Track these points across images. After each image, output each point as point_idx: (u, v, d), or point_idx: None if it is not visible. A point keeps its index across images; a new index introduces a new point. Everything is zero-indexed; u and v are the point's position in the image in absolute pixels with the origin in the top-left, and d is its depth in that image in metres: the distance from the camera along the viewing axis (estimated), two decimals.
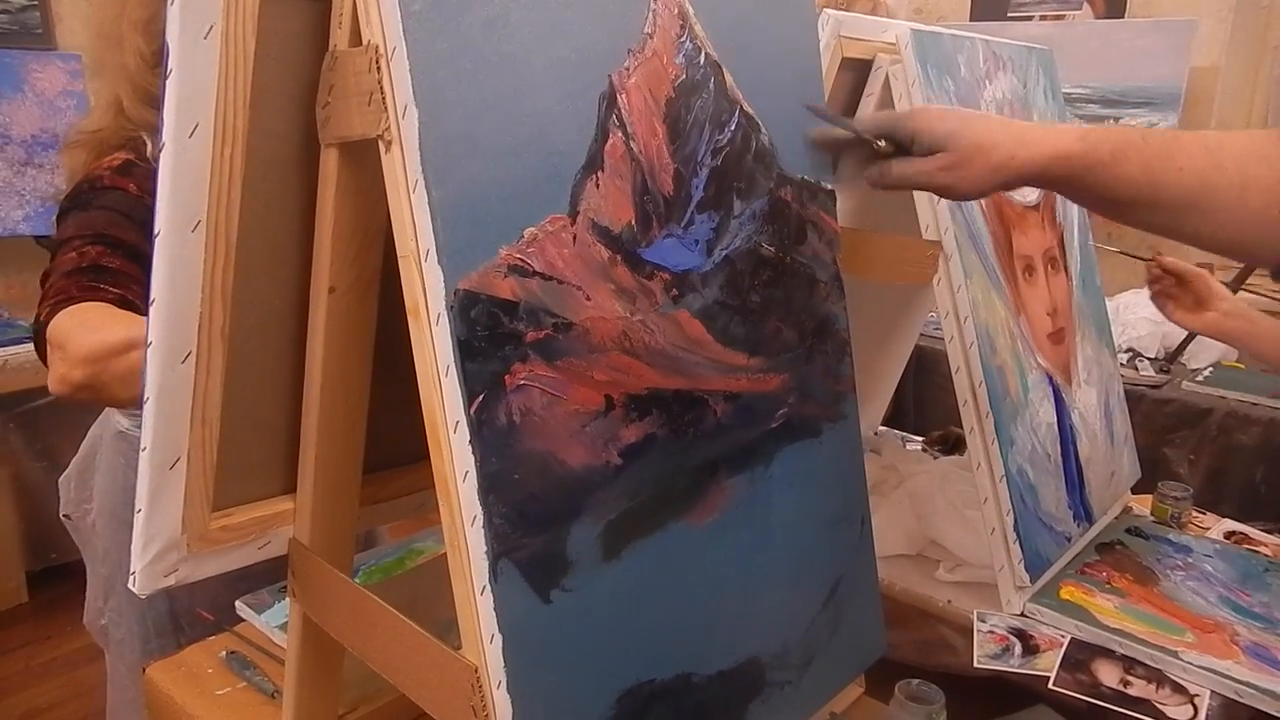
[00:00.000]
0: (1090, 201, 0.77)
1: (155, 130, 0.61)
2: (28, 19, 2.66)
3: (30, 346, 2.35)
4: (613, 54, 0.70)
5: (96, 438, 1.28)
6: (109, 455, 1.24)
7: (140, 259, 0.99)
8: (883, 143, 0.82)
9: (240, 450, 0.75)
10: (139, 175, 1.06)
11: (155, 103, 0.61)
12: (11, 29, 2.64)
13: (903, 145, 0.80)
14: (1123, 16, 3.00)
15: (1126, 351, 2.47)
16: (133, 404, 0.94)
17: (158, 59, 0.59)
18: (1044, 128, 0.76)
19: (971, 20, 3.30)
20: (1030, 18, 3.18)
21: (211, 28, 0.61)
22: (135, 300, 0.97)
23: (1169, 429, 2.31)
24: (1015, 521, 1.15)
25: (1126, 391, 1.57)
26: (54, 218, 1.09)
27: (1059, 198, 1.40)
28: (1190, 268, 1.23)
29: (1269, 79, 2.82)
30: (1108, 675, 1.05)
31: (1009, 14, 3.22)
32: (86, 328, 0.93)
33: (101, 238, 1.02)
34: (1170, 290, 1.25)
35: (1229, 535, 1.41)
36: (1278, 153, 0.68)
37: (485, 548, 0.61)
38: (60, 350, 0.93)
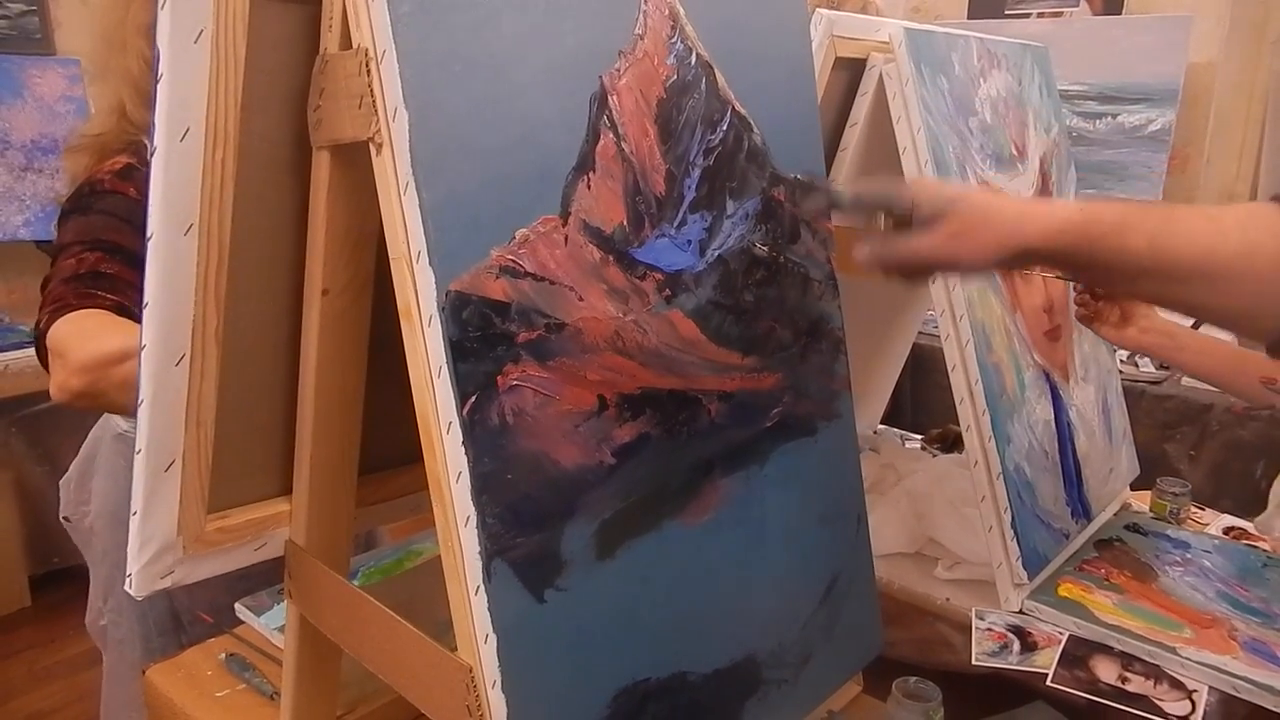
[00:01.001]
0: (1097, 275, 0.75)
1: (151, 130, 0.62)
2: (27, 24, 2.67)
3: (31, 351, 2.37)
4: (603, 55, 0.70)
5: (97, 440, 1.29)
6: (109, 457, 1.25)
7: (139, 264, 1.00)
8: (883, 218, 0.78)
9: (236, 452, 0.75)
10: (139, 179, 1.07)
11: (153, 106, 0.61)
12: (10, 34, 2.65)
13: (902, 219, 0.76)
14: (1120, 13, 3.00)
15: None
16: (128, 410, 0.95)
17: None
18: (1043, 202, 0.73)
19: (969, 18, 3.29)
20: (1028, 15, 3.18)
21: (202, 32, 0.61)
22: (132, 307, 0.98)
23: (1169, 425, 2.32)
24: (1013, 519, 1.15)
25: (1126, 388, 1.57)
26: (55, 220, 1.09)
27: (1055, 194, 1.40)
28: None
29: (1267, 74, 2.82)
30: (1106, 672, 1.05)
31: (1006, 11, 3.22)
32: (85, 336, 0.94)
33: (100, 244, 1.02)
34: (1097, 309, 1.27)
35: (1228, 530, 1.41)
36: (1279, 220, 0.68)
37: (479, 548, 0.61)
38: (60, 358, 0.94)
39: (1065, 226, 0.71)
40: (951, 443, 1.66)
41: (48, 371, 0.98)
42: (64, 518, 1.35)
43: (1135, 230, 0.69)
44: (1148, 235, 0.69)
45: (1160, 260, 0.69)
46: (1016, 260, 0.73)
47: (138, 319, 0.97)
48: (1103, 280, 0.74)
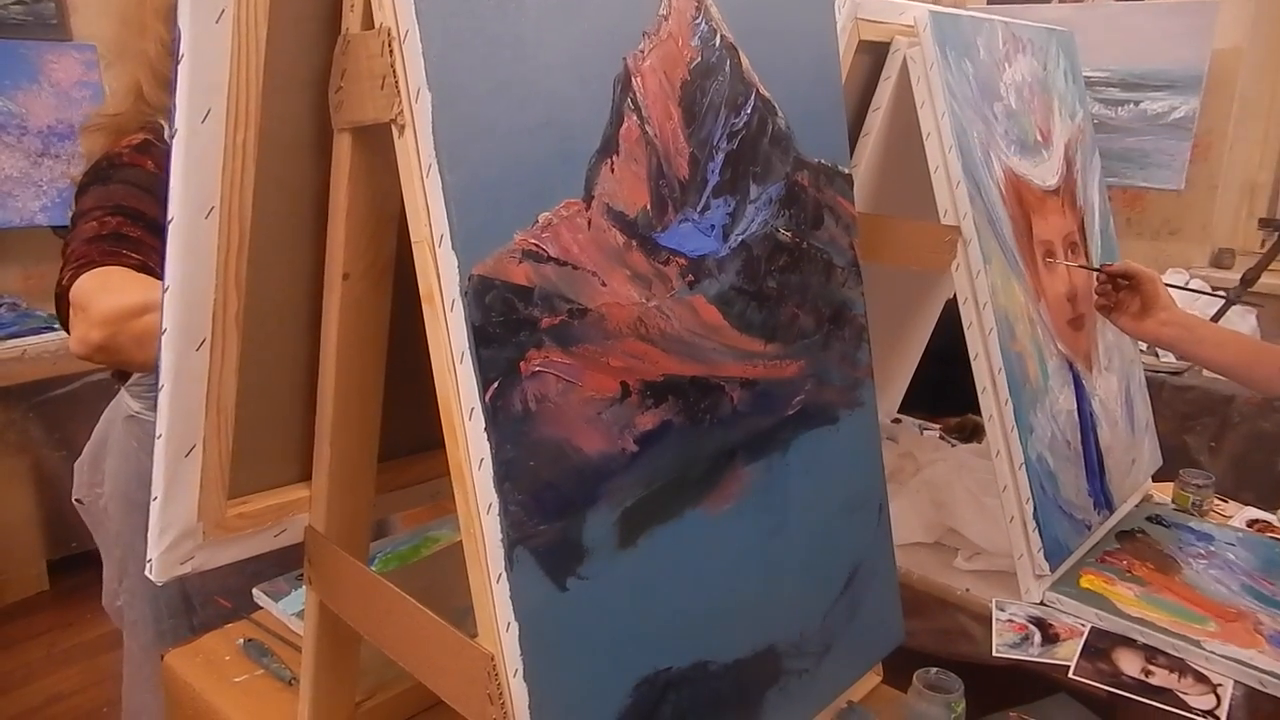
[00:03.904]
0: None
1: (171, 113, 0.61)
2: (43, 10, 2.67)
3: (48, 337, 2.38)
4: (628, 36, 0.69)
5: (109, 421, 1.29)
6: (120, 438, 1.25)
7: (159, 231, 1.00)
8: None
9: (256, 437, 0.75)
10: (157, 154, 1.08)
11: (173, 88, 0.60)
12: (27, 20, 2.65)
13: None
14: None
15: None
16: (147, 367, 0.94)
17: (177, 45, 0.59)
18: None
19: (989, 2, 3.25)
20: (1049, 0, 3.14)
21: (223, 12, 0.60)
22: (155, 268, 0.98)
23: (1190, 416, 2.29)
24: (1035, 509, 1.14)
25: (1147, 378, 1.55)
26: (74, 195, 1.09)
27: (1079, 182, 1.38)
28: (1141, 269, 1.23)
29: None
30: (1129, 664, 1.04)
31: None
32: (107, 290, 0.94)
33: (121, 209, 1.02)
34: (1118, 299, 1.25)
35: (1252, 523, 1.39)
36: None
37: (501, 535, 0.60)
38: (82, 311, 0.94)
39: None
40: (970, 432, 1.64)
41: (67, 330, 0.97)
42: (76, 500, 1.35)
43: None
44: None
45: None
46: None
47: (161, 279, 0.96)
48: None
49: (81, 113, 2.67)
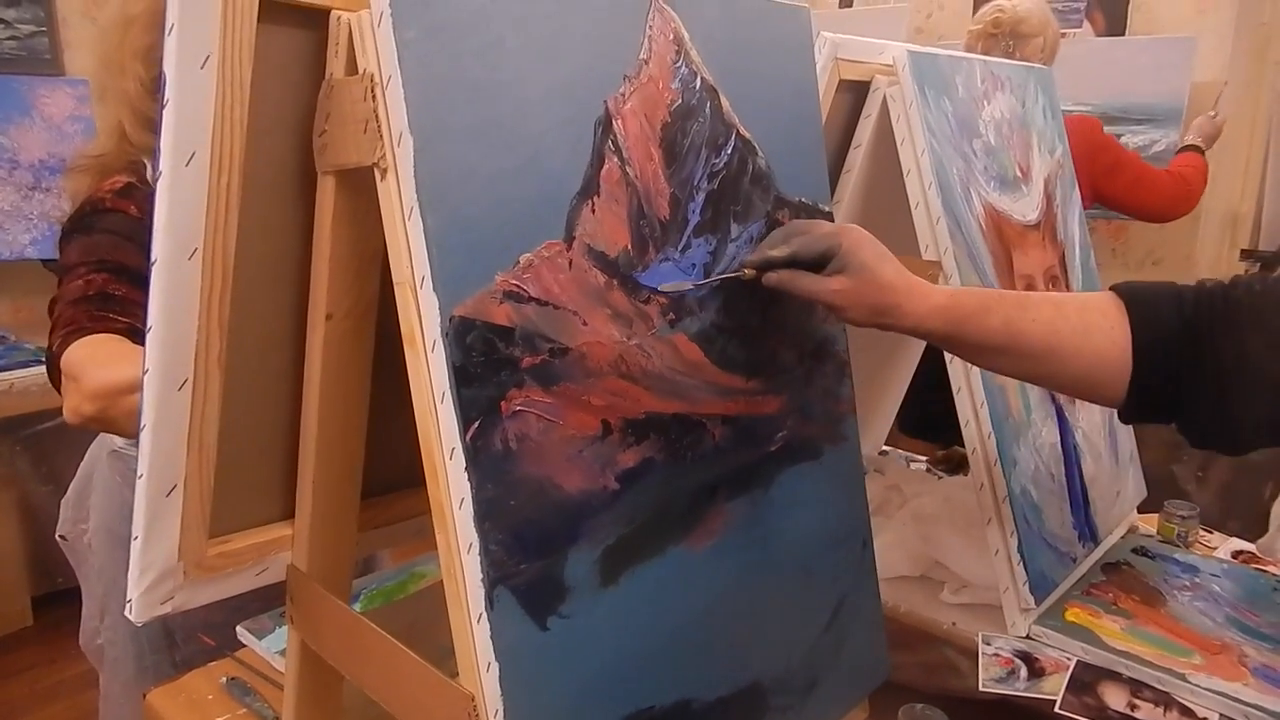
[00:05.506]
0: (966, 351, 0.86)
1: (155, 154, 0.62)
2: (36, 45, 2.70)
3: (36, 370, 2.38)
4: (608, 79, 0.71)
5: (94, 458, 1.29)
6: (105, 473, 1.25)
7: (144, 282, 1.01)
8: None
9: (238, 477, 0.75)
10: (139, 198, 1.08)
11: (155, 128, 0.61)
12: (20, 55, 2.67)
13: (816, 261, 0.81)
14: (1123, 34, 3.00)
15: None
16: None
17: (156, 85, 0.60)
18: (921, 285, 0.81)
19: None
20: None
21: (208, 57, 0.61)
22: (143, 328, 0.98)
23: (1177, 445, 2.28)
24: (1019, 542, 1.14)
25: None
26: (57, 240, 1.10)
27: (1059, 216, 1.40)
28: None
29: (1270, 94, 2.82)
30: (1115, 698, 1.04)
31: None
32: (97, 363, 0.94)
33: (105, 264, 1.03)
34: None
35: (1236, 554, 1.39)
36: (1109, 304, 0.80)
37: (481, 575, 0.61)
38: (74, 382, 0.95)
39: (936, 308, 0.80)
40: (957, 464, 1.65)
41: (60, 393, 0.98)
42: (60, 536, 1.35)
43: (993, 313, 0.80)
44: (1004, 317, 0.80)
45: (1014, 339, 0.80)
46: (892, 329, 0.82)
47: None
48: (972, 355, 0.88)
49: (73, 147, 2.69)
